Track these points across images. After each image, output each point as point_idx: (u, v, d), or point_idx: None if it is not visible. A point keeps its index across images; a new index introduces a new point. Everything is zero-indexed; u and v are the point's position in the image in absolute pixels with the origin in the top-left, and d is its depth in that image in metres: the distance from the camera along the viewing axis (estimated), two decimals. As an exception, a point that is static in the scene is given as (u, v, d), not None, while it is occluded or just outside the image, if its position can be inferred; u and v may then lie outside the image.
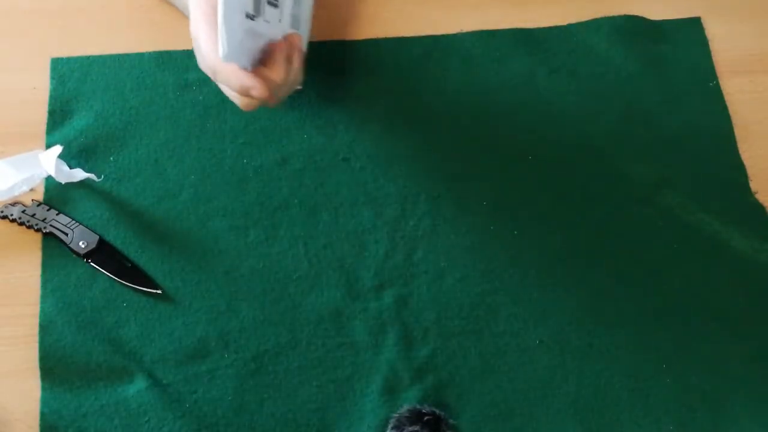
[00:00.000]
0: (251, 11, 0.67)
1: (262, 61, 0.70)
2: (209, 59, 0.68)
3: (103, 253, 0.76)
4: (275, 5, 0.69)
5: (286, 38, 0.71)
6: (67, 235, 0.76)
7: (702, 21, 0.91)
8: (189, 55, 0.84)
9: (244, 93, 0.68)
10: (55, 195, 0.78)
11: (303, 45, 0.74)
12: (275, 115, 0.78)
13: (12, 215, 0.77)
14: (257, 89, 0.67)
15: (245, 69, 0.68)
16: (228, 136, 0.82)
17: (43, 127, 0.82)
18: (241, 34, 0.66)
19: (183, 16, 0.82)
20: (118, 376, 0.72)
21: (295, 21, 0.73)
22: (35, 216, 0.76)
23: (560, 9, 0.91)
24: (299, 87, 0.76)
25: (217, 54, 0.67)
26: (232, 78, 0.68)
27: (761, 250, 0.79)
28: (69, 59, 0.85)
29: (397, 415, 0.70)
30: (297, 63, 0.72)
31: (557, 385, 0.73)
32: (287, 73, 0.70)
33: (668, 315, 0.76)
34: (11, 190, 0.78)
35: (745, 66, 0.89)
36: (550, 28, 0.90)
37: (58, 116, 0.82)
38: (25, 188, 0.78)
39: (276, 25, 0.71)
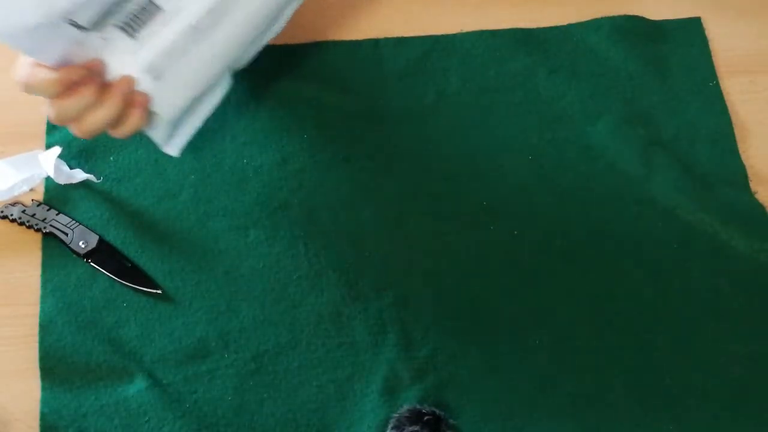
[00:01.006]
0: (83, 23, 0.61)
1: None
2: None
3: (103, 253, 0.76)
4: (131, 36, 0.64)
5: (120, 79, 0.64)
6: (67, 235, 0.76)
7: (702, 21, 0.91)
8: (189, 55, 0.84)
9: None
10: (55, 195, 0.78)
11: (160, 106, 0.67)
12: (275, 115, 0.77)
13: (12, 215, 0.77)
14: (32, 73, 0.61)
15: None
16: (228, 136, 0.82)
17: (43, 127, 0.82)
18: (35, 21, 0.58)
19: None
20: (118, 376, 0.71)
21: (173, 85, 0.66)
22: (35, 216, 0.76)
23: (560, 9, 0.91)
24: (162, 141, 0.72)
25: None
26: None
27: (761, 250, 0.79)
28: (69, 59, 0.85)
29: (397, 415, 0.70)
30: (135, 114, 0.66)
31: (557, 385, 0.73)
32: (73, 98, 0.63)
33: (668, 315, 0.76)
34: (11, 190, 0.78)
35: (745, 66, 0.89)
36: (550, 28, 0.90)
37: (58, 116, 0.82)
38: (25, 188, 0.78)
39: (124, 54, 0.64)
